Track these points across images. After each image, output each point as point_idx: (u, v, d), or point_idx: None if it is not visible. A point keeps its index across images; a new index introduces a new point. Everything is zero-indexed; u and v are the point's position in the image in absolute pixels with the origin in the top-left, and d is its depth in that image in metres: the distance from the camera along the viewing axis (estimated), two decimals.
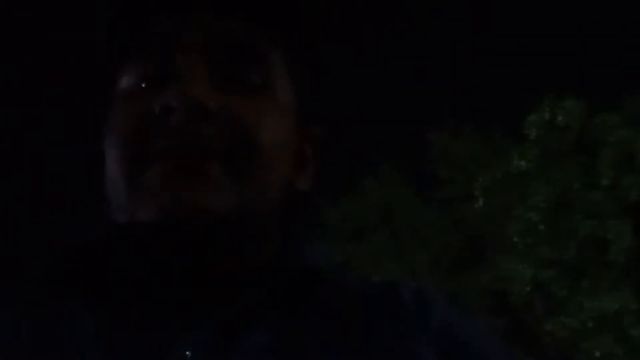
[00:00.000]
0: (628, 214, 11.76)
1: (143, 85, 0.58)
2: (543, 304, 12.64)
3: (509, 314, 13.36)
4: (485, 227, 13.68)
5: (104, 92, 0.62)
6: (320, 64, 0.65)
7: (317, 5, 0.62)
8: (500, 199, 12.84)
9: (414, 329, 0.59)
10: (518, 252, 12.19)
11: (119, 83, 0.60)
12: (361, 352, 0.56)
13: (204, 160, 0.54)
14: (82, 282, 0.59)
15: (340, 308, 0.60)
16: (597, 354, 11.37)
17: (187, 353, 0.53)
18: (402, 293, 0.62)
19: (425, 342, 0.58)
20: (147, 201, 0.54)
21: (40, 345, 0.55)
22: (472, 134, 14.85)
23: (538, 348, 12.62)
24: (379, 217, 15.32)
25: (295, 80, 0.62)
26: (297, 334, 0.57)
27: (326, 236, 14.72)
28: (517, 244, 12.22)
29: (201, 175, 0.54)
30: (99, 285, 0.59)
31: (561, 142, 12.50)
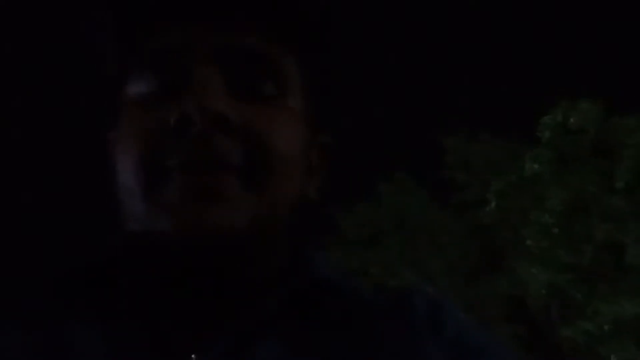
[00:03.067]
0: None
1: (155, 95, 0.57)
2: (560, 309, 12.53)
3: (527, 320, 13.26)
4: (501, 232, 13.59)
5: (114, 99, 0.61)
6: (332, 70, 0.65)
7: (329, 12, 0.62)
8: (515, 203, 12.75)
9: (426, 340, 0.59)
10: (533, 256, 12.11)
11: (130, 90, 0.59)
12: None
13: (223, 175, 0.54)
14: (93, 292, 0.59)
15: (352, 318, 0.59)
16: (614, 358, 11.24)
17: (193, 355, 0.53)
18: (416, 302, 0.62)
19: (438, 354, 0.58)
20: (166, 216, 0.54)
21: (49, 356, 0.55)
22: (487, 139, 14.77)
23: (556, 355, 12.51)
24: (394, 224, 15.26)
25: (307, 86, 0.61)
26: (309, 345, 0.56)
27: (341, 243, 14.69)
28: (531, 248, 12.13)
29: (220, 191, 0.54)
30: (109, 296, 0.58)
31: (576, 145, 12.41)
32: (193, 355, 0.53)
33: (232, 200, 0.54)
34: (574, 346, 12.02)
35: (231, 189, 0.54)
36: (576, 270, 11.87)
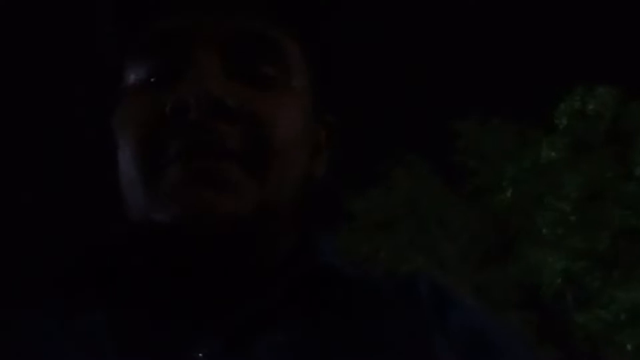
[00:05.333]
0: None
1: (154, 80, 0.56)
2: (574, 296, 12.53)
3: (539, 307, 13.29)
4: (515, 219, 13.59)
5: (113, 86, 0.60)
6: (337, 50, 0.64)
7: None
8: (529, 189, 12.75)
9: (432, 327, 0.58)
10: (548, 243, 12.09)
11: (128, 77, 0.58)
12: (378, 352, 0.55)
13: (224, 161, 0.53)
14: (98, 281, 0.59)
15: (356, 306, 0.58)
16: (629, 346, 11.24)
17: (200, 355, 0.53)
18: (420, 288, 0.61)
19: (444, 343, 0.57)
20: (167, 203, 0.53)
21: (55, 344, 0.54)
22: (501, 124, 14.74)
23: (568, 341, 12.52)
24: (406, 209, 15.28)
25: (311, 67, 0.60)
26: (314, 333, 0.56)
27: (353, 227, 14.74)
28: (547, 235, 12.12)
29: (222, 177, 0.53)
30: (114, 285, 0.58)
31: (593, 131, 12.37)
32: (200, 355, 0.53)
33: (234, 183, 0.53)
34: (587, 333, 12.01)
35: (233, 174, 0.53)
36: (592, 257, 11.85)
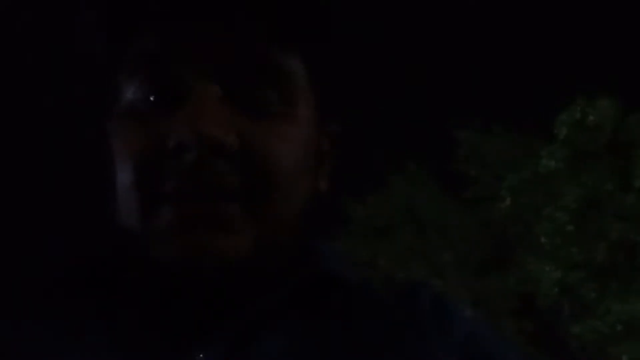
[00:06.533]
0: None
1: (151, 103, 0.54)
2: (571, 307, 12.52)
3: (536, 316, 13.27)
4: (513, 228, 13.59)
5: (109, 97, 0.59)
6: (340, 61, 0.62)
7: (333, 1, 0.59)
8: (528, 199, 12.75)
9: (433, 339, 0.58)
10: (545, 253, 12.10)
11: (124, 93, 0.56)
12: (377, 357, 0.55)
13: (222, 201, 0.52)
14: (98, 283, 0.58)
15: (357, 313, 0.58)
16: (624, 358, 11.23)
17: (201, 356, 0.53)
18: (420, 296, 0.61)
19: (444, 353, 0.57)
20: (164, 244, 0.52)
21: (55, 346, 0.54)
22: (501, 133, 14.73)
23: (565, 352, 12.51)
24: (404, 215, 15.28)
25: (314, 82, 0.59)
26: (314, 337, 0.56)
27: (351, 233, 14.73)
28: (544, 244, 12.13)
29: (219, 218, 0.52)
30: (114, 287, 0.58)
31: (593, 142, 12.37)
32: (201, 355, 0.53)
33: (234, 226, 0.52)
34: (583, 344, 12.01)
35: (231, 214, 0.52)
36: (589, 268, 11.85)
